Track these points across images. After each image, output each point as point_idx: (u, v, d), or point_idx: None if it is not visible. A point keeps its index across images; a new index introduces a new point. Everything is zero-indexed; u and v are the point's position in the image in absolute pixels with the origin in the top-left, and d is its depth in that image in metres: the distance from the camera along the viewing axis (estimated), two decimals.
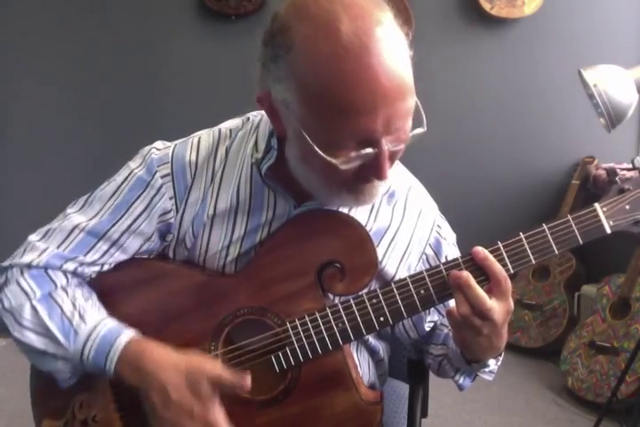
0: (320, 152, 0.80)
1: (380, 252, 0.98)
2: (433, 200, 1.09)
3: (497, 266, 0.87)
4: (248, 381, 0.85)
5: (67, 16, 3.08)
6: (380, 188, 0.89)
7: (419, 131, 0.83)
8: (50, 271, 0.94)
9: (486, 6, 2.95)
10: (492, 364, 0.97)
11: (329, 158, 0.80)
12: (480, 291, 0.85)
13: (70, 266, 0.95)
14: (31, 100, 3.12)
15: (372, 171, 0.82)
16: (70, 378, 0.92)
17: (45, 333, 0.90)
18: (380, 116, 0.77)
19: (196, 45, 3.10)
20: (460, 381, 1.03)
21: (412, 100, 0.80)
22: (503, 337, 0.90)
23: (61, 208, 1.01)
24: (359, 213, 0.99)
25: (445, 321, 1.08)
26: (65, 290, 0.94)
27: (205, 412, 0.85)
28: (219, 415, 0.86)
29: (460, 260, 0.89)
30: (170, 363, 0.87)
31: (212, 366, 0.87)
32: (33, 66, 3.10)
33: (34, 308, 0.91)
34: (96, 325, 0.90)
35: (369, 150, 0.79)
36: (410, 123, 0.81)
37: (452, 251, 1.06)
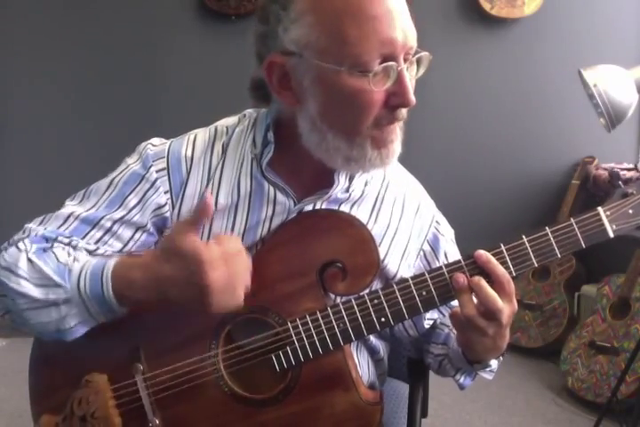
0: (348, 71, 0.84)
1: (381, 251, 0.99)
2: (430, 198, 1.09)
3: (500, 268, 0.87)
4: (209, 198, 0.83)
5: (67, 16, 3.08)
6: (397, 145, 0.93)
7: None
8: (48, 239, 0.95)
9: (486, 6, 2.96)
10: (494, 364, 0.97)
11: (358, 76, 0.84)
12: (492, 291, 0.86)
13: (66, 240, 0.95)
14: (31, 100, 3.12)
15: (398, 95, 0.86)
16: (77, 326, 0.89)
17: (42, 279, 0.88)
18: (397, 24, 0.84)
19: (196, 45, 3.10)
20: (461, 380, 1.04)
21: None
22: (506, 338, 0.91)
23: (60, 208, 1.01)
24: (360, 213, 0.99)
25: (446, 320, 1.08)
26: (61, 247, 0.94)
27: (198, 260, 0.80)
28: (212, 250, 0.82)
29: (463, 262, 0.89)
30: (151, 258, 0.85)
31: (175, 234, 0.84)
32: (32, 65, 3.10)
33: (29, 259, 0.90)
34: (87, 260, 0.90)
35: (393, 64, 0.85)
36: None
37: (450, 247, 1.07)
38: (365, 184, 1.00)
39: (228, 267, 0.82)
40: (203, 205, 0.83)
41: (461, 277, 0.87)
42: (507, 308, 0.86)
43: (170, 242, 0.84)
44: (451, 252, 1.06)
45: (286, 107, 0.94)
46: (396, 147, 0.93)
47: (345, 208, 0.98)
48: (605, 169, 2.74)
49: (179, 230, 0.84)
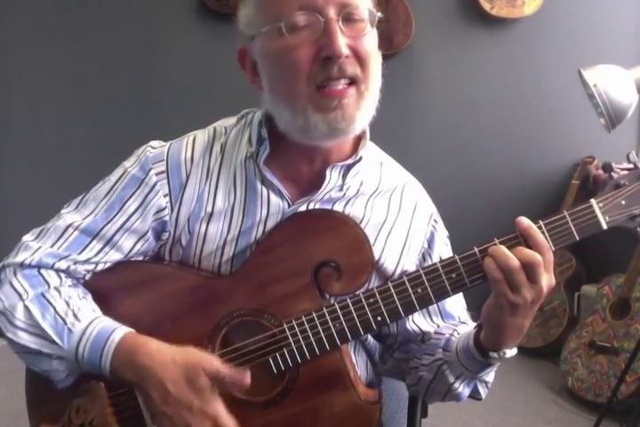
0: (276, 33, 0.85)
1: (377, 246, 0.98)
2: (429, 196, 1.08)
3: (541, 236, 0.85)
4: (248, 377, 0.84)
5: (67, 16, 3.08)
6: (348, 109, 0.88)
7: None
8: (43, 271, 0.94)
9: (486, 6, 2.95)
10: (509, 354, 0.91)
11: (278, 31, 0.85)
12: (529, 250, 0.84)
13: (63, 264, 0.94)
14: (31, 99, 3.12)
15: (326, 46, 0.85)
16: (67, 378, 0.91)
17: (39, 332, 0.89)
18: None
19: (196, 45, 3.10)
20: (460, 389, 0.98)
21: None
22: (530, 318, 0.88)
23: (60, 207, 1.01)
24: (355, 208, 0.99)
25: (443, 330, 1.03)
26: (58, 290, 0.93)
27: (205, 405, 0.84)
28: (219, 408, 0.85)
29: (457, 257, 0.88)
30: (167, 357, 0.86)
31: (210, 359, 0.86)
32: (33, 65, 3.10)
33: (26, 308, 0.90)
34: (90, 322, 0.89)
35: (316, 15, 0.85)
36: (361, 4, 0.88)
37: (443, 246, 1.06)
38: (361, 184, 1.00)
39: None
40: (240, 382, 0.84)
41: (524, 219, 0.86)
42: (545, 273, 0.84)
43: (197, 370, 0.84)
44: (443, 250, 1.05)
45: (262, 94, 0.94)
46: (348, 112, 0.88)
47: (339, 206, 0.98)
48: (602, 165, 2.73)
49: (212, 369, 0.85)
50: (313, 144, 0.93)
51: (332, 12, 0.85)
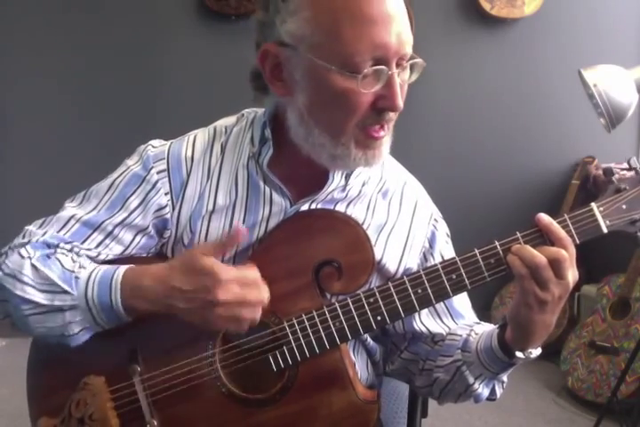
0: (338, 70, 0.85)
1: (378, 247, 0.99)
2: (429, 196, 1.09)
3: (562, 231, 0.87)
4: (241, 229, 0.86)
5: (67, 16, 3.08)
6: (385, 147, 0.93)
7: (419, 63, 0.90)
8: (50, 245, 0.95)
9: (486, 6, 2.96)
10: (535, 353, 0.93)
11: (348, 76, 0.84)
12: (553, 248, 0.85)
13: (67, 246, 0.95)
14: (31, 99, 3.12)
15: (386, 99, 0.87)
16: (80, 332, 0.89)
17: (48, 285, 0.89)
18: (392, 29, 0.85)
19: (196, 45, 3.10)
20: (479, 390, 0.98)
21: (409, 28, 0.89)
22: (557, 314, 0.89)
23: (60, 206, 1.01)
24: (356, 210, 0.99)
25: (458, 331, 1.02)
26: (64, 253, 0.94)
27: (214, 277, 0.83)
28: (226, 272, 0.84)
29: (457, 258, 0.89)
30: (165, 268, 0.87)
31: (199, 245, 0.88)
32: (33, 65, 3.10)
33: (33, 266, 0.90)
34: (95, 268, 0.91)
35: (383, 68, 0.85)
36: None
37: (445, 245, 1.06)
38: (363, 184, 1.00)
39: (241, 293, 0.83)
40: (233, 233, 0.86)
41: (544, 216, 0.88)
42: (572, 271, 0.85)
43: (191, 257, 0.85)
44: (445, 249, 1.06)
45: (278, 98, 0.94)
46: (384, 150, 0.93)
47: (341, 207, 0.98)
48: (602, 169, 2.73)
49: (203, 249, 0.86)
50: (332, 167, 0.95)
51: (394, 65, 0.86)
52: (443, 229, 1.07)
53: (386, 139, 0.93)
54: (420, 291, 0.89)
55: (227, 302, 0.83)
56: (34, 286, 0.89)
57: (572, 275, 0.85)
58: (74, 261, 0.92)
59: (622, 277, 2.43)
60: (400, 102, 0.88)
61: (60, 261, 0.92)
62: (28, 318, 0.90)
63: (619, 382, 2.01)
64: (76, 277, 0.89)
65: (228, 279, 0.83)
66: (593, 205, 0.90)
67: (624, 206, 0.90)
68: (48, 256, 0.93)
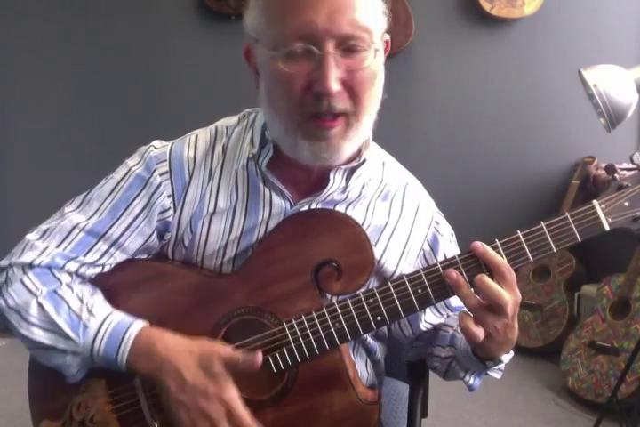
0: (272, 54, 0.85)
1: (378, 249, 0.99)
2: (430, 197, 1.09)
3: (498, 258, 0.86)
4: (259, 357, 0.86)
5: (67, 16, 3.08)
6: (337, 142, 0.88)
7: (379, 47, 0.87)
8: (54, 270, 0.94)
9: (486, 6, 2.95)
10: (506, 358, 0.96)
11: (281, 59, 0.84)
12: (496, 286, 0.85)
13: (72, 266, 0.95)
14: (31, 99, 3.12)
15: (318, 82, 0.83)
16: (78, 373, 0.91)
17: (53, 328, 0.90)
18: (321, 8, 0.82)
19: (196, 45, 3.10)
20: (471, 381, 1.02)
21: (367, 14, 0.85)
22: (515, 329, 0.90)
23: (61, 206, 1.00)
24: (356, 212, 0.99)
25: (450, 322, 1.08)
26: (70, 287, 0.93)
27: (220, 390, 0.86)
28: (233, 393, 0.86)
29: (457, 258, 0.89)
30: (182, 348, 0.88)
31: (223, 347, 0.88)
32: (33, 65, 3.10)
33: (40, 305, 0.90)
34: (105, 317, 0.90)
35: (313, 48, 0.83)
36: (365, 36, 0.85)
37: (449, 247, 1.06)
38: (363, 186, 1.00)
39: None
40: (252, 363, 0.86)
41: (453, 273, 0.87)
42: (511, 299, 0.85)
43: (212, 356, 0.87)
44: (450, 252, 1.05)
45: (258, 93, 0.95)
46: (335, 144, 0.88)
47: (340, 209, 0.98)
48: (605, 167, 2.73)
49: (225, 356, 0.87)
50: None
51: (329, 46, 0.83)
52: (446, 230, 1.07)
53: (337, 131, 0.87)
54: (419, 290, 0.89)
55: (211, 418, 0.85)
56: (39, 326, 0.90)
57: (512, 305, 0.85)
58: (80, 301, 0.92)
59: (622, 277, 2.43)
60: (330, 85, 0.83)
61: (66, 301, 0.91)
62: (29, 349, 0.93)
63: (619, 382, 2.00)
64: (85, 326, 0.89)
65: (229, 403, 0.86)
66: (595, 202, 0.90)
67: (626, 204, 0.90)
68: (55, 292, 0.92)
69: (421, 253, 1.04)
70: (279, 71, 0.85)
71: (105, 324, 0.89)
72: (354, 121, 0.88)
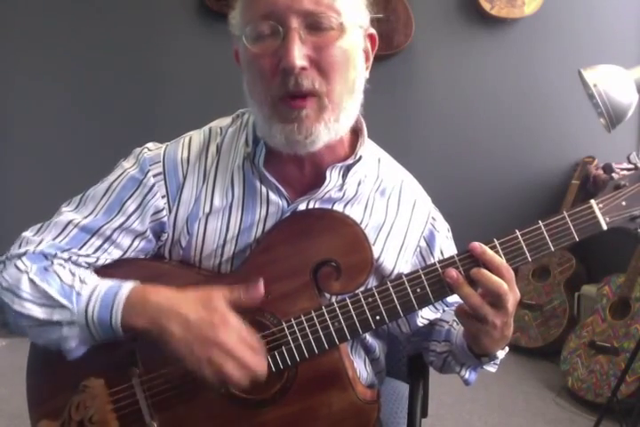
0: (247, 40, 0.86)
1: (377, 247, 0.99)
2: (426, 193, 1.09)
3: (497, 258, 0.86)
4: (261, 286, 0.86)
5: (67, 15, 3.08)
6: (308, 123, 0.87)
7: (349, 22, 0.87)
8: (47, 255, 0.94)
9: (486, 6, 2.95)
10: (501, 355, 0.96)
11: (250, 42, 0.85)
12: (495, 277, 0.85)
13: (65, 255, 0.95)
14: (31, 99, 3.12)
15: (283, 56, 0.83)
16: (77, 347, 0.90)
17: (46, 300, 0.89)
18: None
19: (196, 45, 3.10)
20: (467, 376, 1.02)
21: None
22: (511, 327, 0.90)
23: (57, 212, 1.00)
24: (354, 212, 0.99)
25: (445, 317, 1.08)
26: (61, 265, 0.94)
27: (225, 320, 0.84)
28: (237, 321, 0.85)
29: (456, 257, 0.89)
30: (179, 295, 0.87)
31: (220, 287, 0.88)
32: (33, 65, 3.10)
33: (31, 280, 0.90)
34: (97, 284, 0.90)
35: (277, 26, 0.84)
36: (331, 14, 0.85)
37: (446, 243, 1.06)
38: (359, 184, 1.00)
39: (242, 348, 0.84)
40: (254, 293, 0.86)
41: (453, 272, 0.87)
42: (511, 295, 0.85)
43: (210, 294, 0.86)
44: (446, 248, 1.06)
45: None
46: (306, 125, 0.86)
47: (338, 207, 0.98)
48: (602, 166, 2.73)
49: (225, 293, 0.86)
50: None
51: (294, 22, 0.83)
52: (442, 226, 1.07)
53: (308, 112, 0.86)
54: (418, 290, 0.89)
55: (224, 344, 0.83)
56: (32, 301, 0.89)
57: (512, 301, 0.86)
58: (72, 274, 0.91)
59: (622, 277, 2.43)
60: (294, 59, 0.82)
61: (57, 274, 0.91)
62: (25, 329, 0.91)
63: (619, 382, 2.00)
64: (78, 293, 0.88)
65: (237, 328, 0.84)
66: (592, 201, 0.90)
67: (624, 203, 0.90)
68: (45, 269, 0.92)
69: (418, 249, 1.04)
70: (249, 54, 0.86)
71: (97, 289, 0.88)
72: (327, 102, 0.87)
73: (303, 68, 0.84)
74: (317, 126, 0.87)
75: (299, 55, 0.82)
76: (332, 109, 0.87)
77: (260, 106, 0.89)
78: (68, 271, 0.92)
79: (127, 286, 0.88)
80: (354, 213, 0.98)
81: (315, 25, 0.84)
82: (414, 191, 1.06)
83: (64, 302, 0.88)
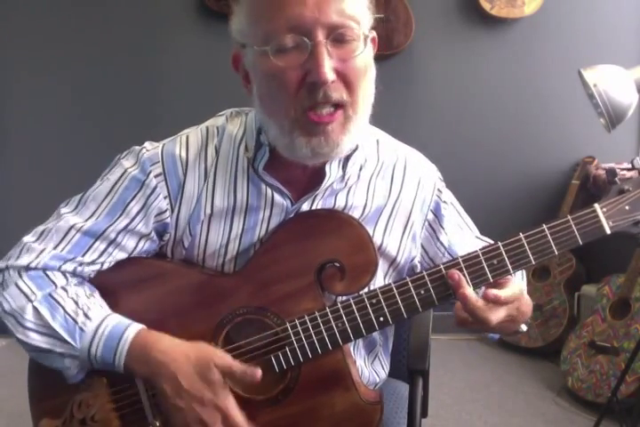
0: (266, 52, 0.84)
1: (379, 230, 0.99)
2: (431, 163, 1.10)
3: (470, 290, 0.87)
4: (258, 373, 0.86)
5: (68, 15, 3.08)
6: (335, 136, 0.87)
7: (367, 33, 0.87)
8: (49, 272, 0.94)
9: (486, 6, 2.95)
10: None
11: (273, 54, 0.84)
12: (480, 302, 0.86)
13: (69, 267, 0.94)
14: (31, 99, 3.12)
15: (312, 71, 0.83)
16: (78, 374, 0.92)
17: (50, 333, 0.90)
18: (309, 2, 0.82)
19: (196, 45, 3.09)
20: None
21: (353, 4, 0.85)
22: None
23: (57, 214, 0.99)
24: (357, 195, 0.99)
25: None
26: (65, 289, 0.93)
27: (216, 398, 0.86)
28: (229, 401, 0.87)
29: (460, 259, 0.89)
30: (179, 353, 0.87)
31: (222, 355, 0.88)
32: (33, 65, 3.10)
33: (35, 309, 0.90)
34: (102, 321, 0.90)
35: (304, 39, 0.83)
36: (354, 25, 0.85)
37: (453, 215, 1.07)
38: (360, 169, 1.00)
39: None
40: (251, 376, 0.87)
41: (456, 274, 0.87)
42: (509, 291, 0.87)
43: (209, 364, 0.87)
44: (454, 219, 1.07)
45: (250, 99, 0.94)
46: (334, 139, 0.87)
47: (341, 195, 0.98)
48: (605, 169, 2.73)
49: (225, 363, 0.87)
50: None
51: (320, 35, 0.83)
52: (449, 197, 1.08)
53: (335, 126, 0.87)
54: (422, 291, 0.89)
55: (206, 424, 0.86)
56: (36, 331, 0.90)
57: (511, 290, 0.88)
58: (76, 303, 0.91)
59: (622, 277, 2.42)
60: (325, 73, 0.82)
61: (61, 305, 0.91)
62: (27, 352, 0.93)
63: (619, 382, 2.00)
64: (81, 330, 0.89)
65: (224, 409, 0.86)
66: (596, 206, 0.90)
67: (627, 207, 0.90)
68: (50, 295, 0.92)
69: (426, 223, 1.04)
70: (271, 66, 0.85)
71: (101, 327, 0.89)
72: (351, 112, 0.88)
73: (332, 81, 0.84)
74: (343, 138, 0.88)
75: (329, 68, 0.83)
76: (355, 120, 0.89)
77: (277, 120, 0.88)
78: (72, 300, 0.92)
79: (132, 331, 0.89)
80: (357, 196, 0.99)
81: (339, 38, 0.85)
82: (419, 166, 1.06)
83: (67, 338, 0.89)
